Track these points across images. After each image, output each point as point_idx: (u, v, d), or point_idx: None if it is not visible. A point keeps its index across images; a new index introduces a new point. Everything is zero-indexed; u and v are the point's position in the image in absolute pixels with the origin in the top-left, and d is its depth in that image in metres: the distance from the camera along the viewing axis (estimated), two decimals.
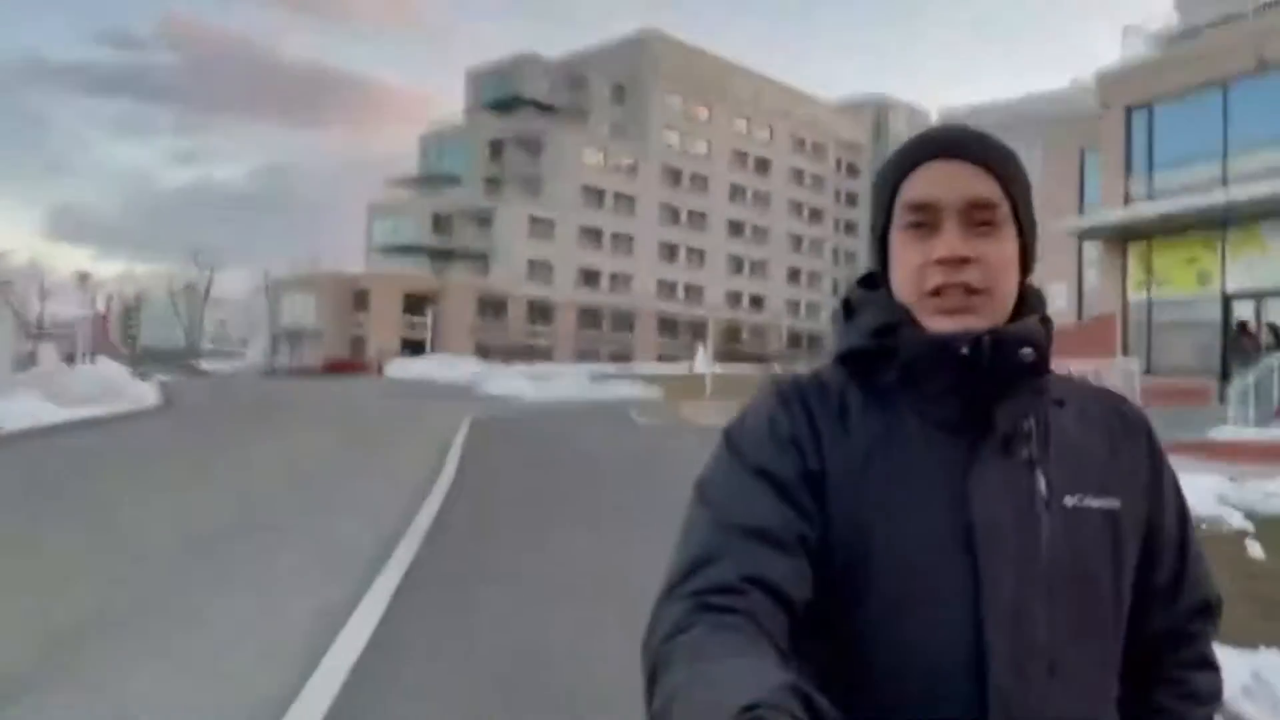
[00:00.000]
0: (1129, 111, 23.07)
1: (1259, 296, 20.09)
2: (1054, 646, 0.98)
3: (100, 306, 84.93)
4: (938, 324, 1.02)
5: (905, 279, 1.05)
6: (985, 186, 1.03)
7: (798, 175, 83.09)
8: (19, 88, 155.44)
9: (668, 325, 70.61)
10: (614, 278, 70.10)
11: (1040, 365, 1.02)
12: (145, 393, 26.99)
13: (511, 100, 71.55)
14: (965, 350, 0.99)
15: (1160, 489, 1.11)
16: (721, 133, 77.00)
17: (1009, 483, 1.00)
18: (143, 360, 52.77)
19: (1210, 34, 22.59)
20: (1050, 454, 1.03)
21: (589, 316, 67.19)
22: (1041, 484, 1.01)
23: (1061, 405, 1.07)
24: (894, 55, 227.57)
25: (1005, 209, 1.03)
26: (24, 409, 18.53)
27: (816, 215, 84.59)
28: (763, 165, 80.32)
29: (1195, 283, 21.41)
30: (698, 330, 62.53)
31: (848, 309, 1.12)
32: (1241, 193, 19.26)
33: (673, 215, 74.03)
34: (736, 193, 78.22)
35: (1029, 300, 1.07)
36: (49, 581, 6.24)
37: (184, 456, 14.07)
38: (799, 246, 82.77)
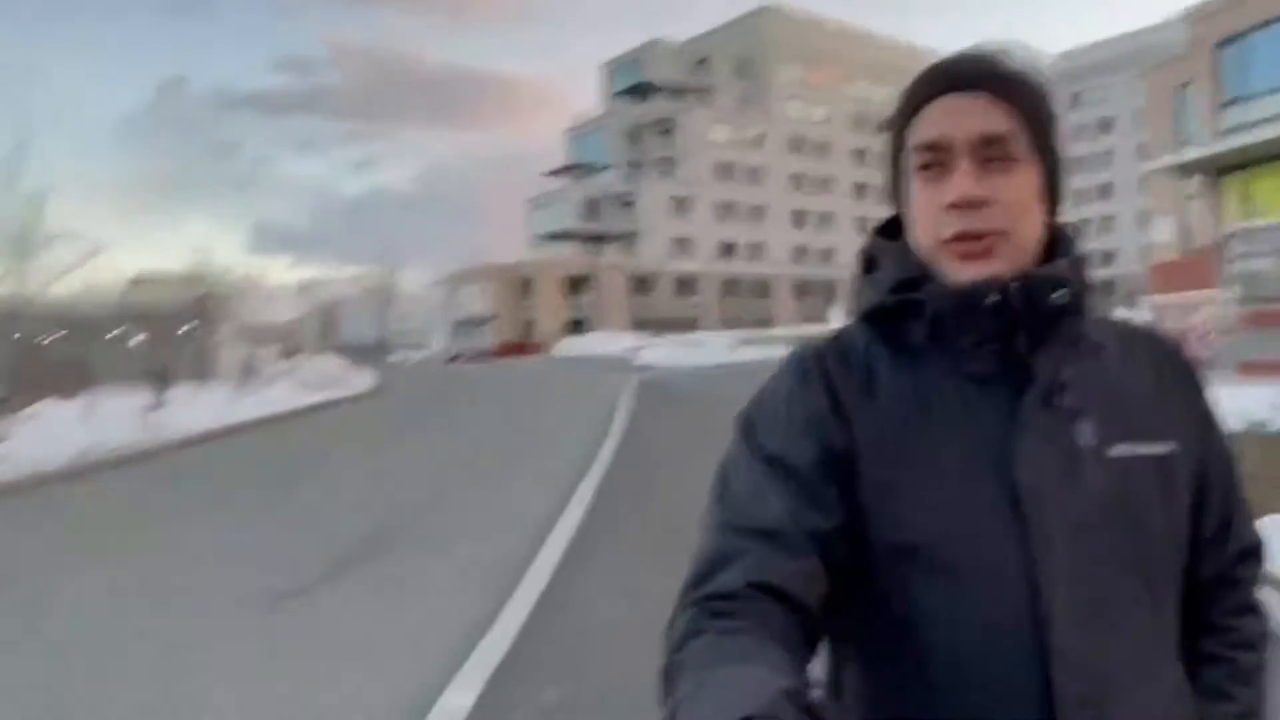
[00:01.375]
0: (1217, 45, 23.35)
1: None
2: (1115, 601, 0.91)
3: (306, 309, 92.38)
4: (958, 272, 0.92)
5: (922, 226, 0.95)
6: (998, 119, 0.91)
7: None
8: (213, 118, 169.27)
9: (803, 288, 71.76)
10: (750, 247, 71.83)
11: (1075, 307, 0.93)
12: (364, 379, 31.02)
13: (643, 86, 73.97)
14: (993, 299, 0.90)
15: (1210, 432, 1.02)
16: (840, 97, 77.23)
17: (1052, 437, 0.91)
18: (342, 355, 57.92)
19: None
20: (1094, 402, 0.94)
21: (730, 286, 69.20)
22: (1086, 434, 0.92)
23: (1102, 349, 0.97)
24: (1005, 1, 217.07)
25: (1023, 141, 0.92)
26: (287, 396, 22.52)
27: None
28: (882, 125, 79.91)
29: None
30: (831, 291, 63.62)
31: (868, 262, 1.02)
32: None
33: (799, 182, 74.98)
34: (858, 155, 78.32)
35: (1060, 239, 0.97)
36: (375, 494, 9.15)
37: (425, 417, 17.27)
38: None
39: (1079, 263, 0.96)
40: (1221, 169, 22.90)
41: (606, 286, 64.14)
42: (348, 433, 16.24)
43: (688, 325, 60.21)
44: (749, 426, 0.97)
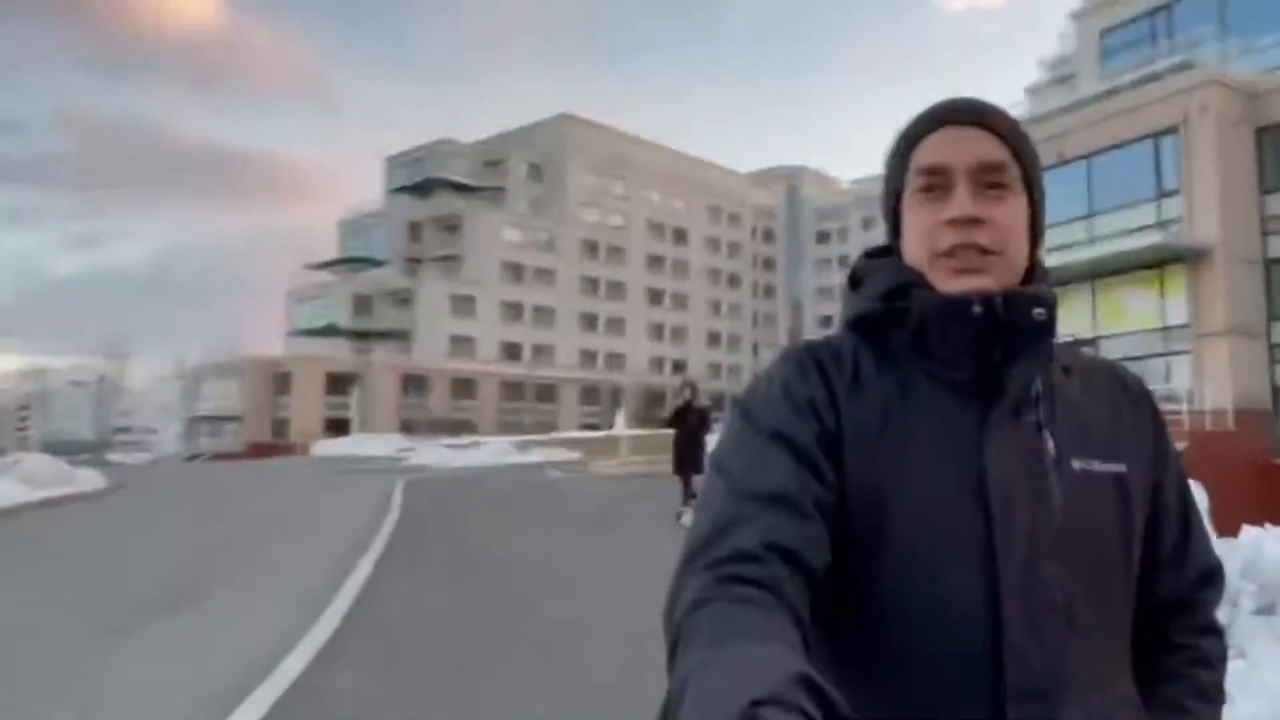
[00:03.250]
0: None
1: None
2: (1069, 609, 1.03)
3: None
4: (950, 285, 1.08)
5: (917, 242, 1.12)
6: (994, 149, 1.10)
7: (714, 243, 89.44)
8: None
9: (590, 393, 75.04)
10: (536, 349, 74.79)
11: (1050, 327, 1.09)
12: (92, 477, 30.44)
13: (430, 183, 76.67)
14: (978, 309, 1.05)
15: (1164, 458, 1.17)
16: (637, 205, 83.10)
17: (1019, 446, 1.06)
18: (54, 453, 54.70)
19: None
20: (1057, 418, 1.09)
21: (512, 389, 71.42)
22: (1050, 446, 1.07)
23: (1068, 372, 1.14)
24: (805, 126, 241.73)
25: (1015, 172, 1.11)
26: (11, 491, 22.35)
27: (734, 280, 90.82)
28: (680, 235, 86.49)
29: None
30: (618, 396, 67.19)
31: (854, 280, 1.20)
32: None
33: (592, 286, 79.38)
34: (654, 262, 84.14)
35: (1037, 271, 1.14)
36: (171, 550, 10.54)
37: (179, 510, 18.09)
38: (718, 311, 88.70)
39: (1051, 291, 1.13)
40: None
41: (375, 386, 64.66)
42: (98, 525, 16.95)
43: (464, 428, 61.38)
44: (746, 411, 1.11)
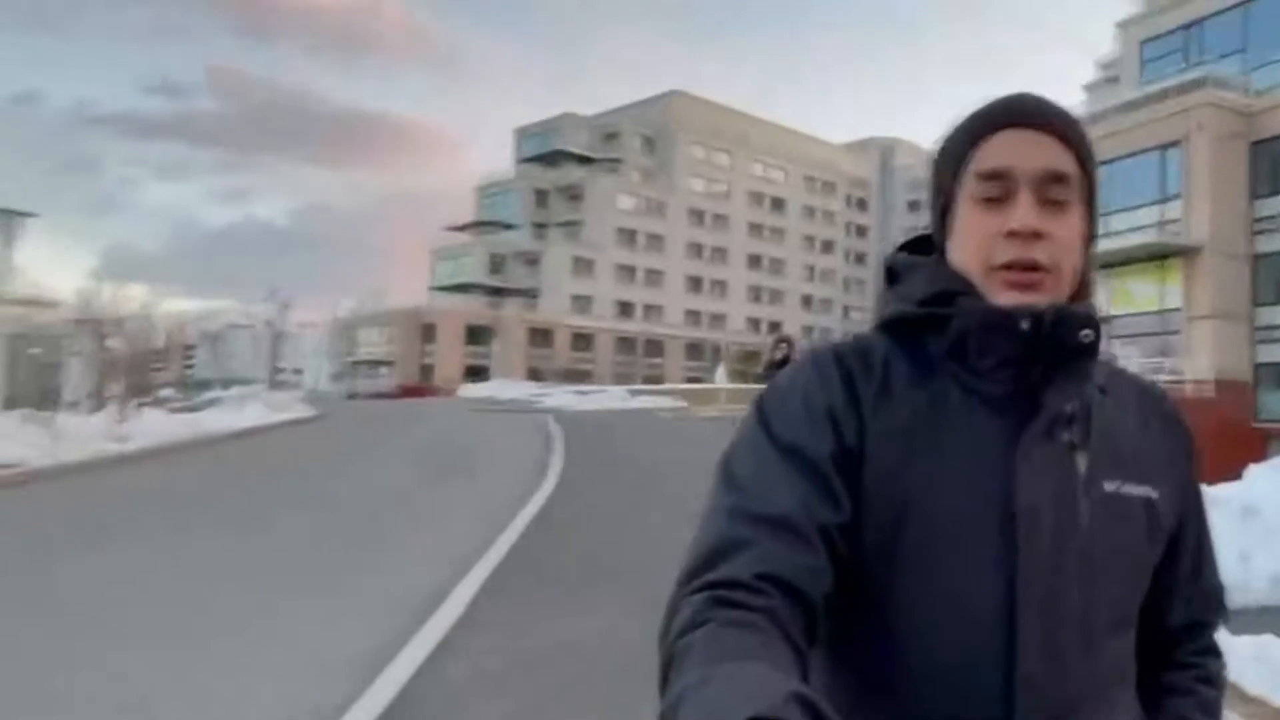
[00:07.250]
0: None
1: None
2: (1088, 631, 1.00)
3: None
4: (1002, 297, 1.01)
5: (972, 250, 1.03)
6: (1061, 158, 1.02)
7: (810, 211, 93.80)
8: (71, 134, 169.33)
9: (694, 350, 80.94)
10: (647, 308, 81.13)
11: (1094, 348, 1.02)
12: (305, 408, 37.75)
13: (554, 154, 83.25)
14: (1026, 325, 0.98)
15: (1190, 482, 1.13)
16: (740, 176, 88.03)
17: (1051, 465, 1.00)
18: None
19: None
20: (1091, 439, 1.04)
21: (625, 344, 77.95)
22: (1082, 468, 1.02)
23: (1103, 392, 1.07)
24: (898, 95, 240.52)
25: (1078, 183, 1.03)
26: (264, 414, 29.42)
27: (828, 247, 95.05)
28: (778, 204, 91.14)
29: None
30: (719, 353, 72.84)
31: (891, 274, 1.13)
32: None
33: (697, 251, 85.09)
34: (754, 229, 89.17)
35: (1086, 285, 1.07)
36: (382, 467, 16.77)
37: (392, 428, 24.56)
38: (812, 276, 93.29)
39: (1097, 310, 1.07)
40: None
41: (507, 337, 71.70)
42: (349, 436, 23.56)
43: (583, 377, 67.92)
44: (762, 413, 1.04)
